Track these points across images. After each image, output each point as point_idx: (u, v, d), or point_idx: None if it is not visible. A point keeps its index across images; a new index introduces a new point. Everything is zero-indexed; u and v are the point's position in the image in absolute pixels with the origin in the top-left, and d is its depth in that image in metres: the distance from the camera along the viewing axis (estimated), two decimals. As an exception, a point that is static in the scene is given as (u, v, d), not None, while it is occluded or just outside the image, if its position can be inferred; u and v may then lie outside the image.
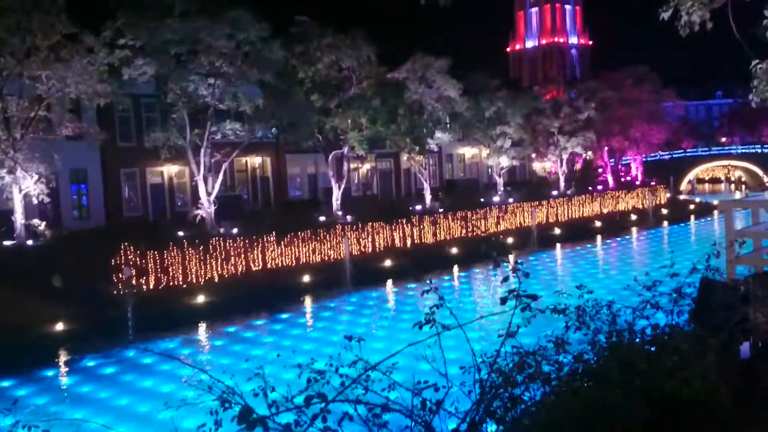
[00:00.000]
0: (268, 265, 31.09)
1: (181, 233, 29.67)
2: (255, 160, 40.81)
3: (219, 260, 29.30)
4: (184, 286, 27.90)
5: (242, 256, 30.18)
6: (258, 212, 37.74)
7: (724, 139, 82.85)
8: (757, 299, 7.64)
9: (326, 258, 33.19)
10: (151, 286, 27.07)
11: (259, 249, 30.87)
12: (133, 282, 26.08)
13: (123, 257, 26.52)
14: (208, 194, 31.72)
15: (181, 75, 29.07)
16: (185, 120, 30.51)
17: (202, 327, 25.55)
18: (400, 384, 4.29)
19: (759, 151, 74.14)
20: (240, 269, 30.01)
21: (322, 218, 35.73)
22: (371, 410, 3.93)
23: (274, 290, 28.74)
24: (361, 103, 36.02)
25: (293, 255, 32.13)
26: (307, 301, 29.29)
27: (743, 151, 75.13)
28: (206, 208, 31.53)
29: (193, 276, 28.41)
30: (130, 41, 27.34)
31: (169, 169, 35.94)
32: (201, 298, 27.03)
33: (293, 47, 34.25)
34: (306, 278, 30.71)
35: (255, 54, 30.50)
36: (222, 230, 30.98)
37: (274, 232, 31.45)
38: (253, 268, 30.49)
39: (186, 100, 29.88)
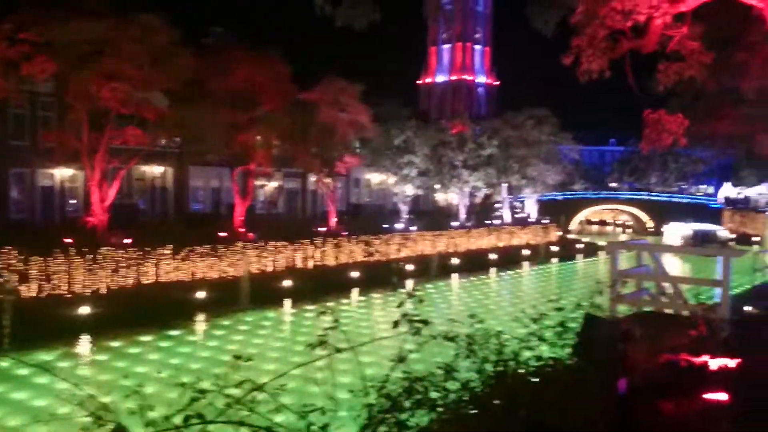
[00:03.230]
0: (161, 279, 30.01)
1: (69, 240, 28.22)
2: (155, 170, 39.57)
3: (108, 271, 28.02)
4: (69, 295, 26.48)
5: (133, 267, 29.00)
6: (154, 223, 36.52)
7: (613, 184, 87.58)
8: (635, 337, 8.07)
9: (224, 275, 32.42)
10: (33, 294, 25.51)
11: (153, 261, 29.77)
12: (13, 288, 24.48)
13: (3, 261, 24.88)
14: (102, 201, 30.40)
15: (84, 75, 27.90)
16: (83, 122, 29.25)
17: (85, 340, 24.27)
18: (286, 406, 4.21)
19: (645, 197, 78.87)
20: (130, 281, 28.80)
21: (223, 234, 34.96)
22: (255, 432, 3.84)
23: (165, 305, 27.74)
24: (271, 120, 35.74)
25: (189, 270, 31.18)
26: (200, 319, 28.43)
27: (630, 196, 79.69)
28: (99, 216, 30.19)
29: (79, 286, 27.02)
30: (32, 36, 26.04)
31: (63, 173, 34.30)
32: (86, 310, 25.69)
33: (205, 57, 33.66)
34: (201, 294, 29.84)
35: (164, 60, 29.72)
36: (114, 240, 29.70)
37: (170, 245, 30.45)
38: (145, 281, 29.35)
39: (86, 101, 28.66)
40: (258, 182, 43.55)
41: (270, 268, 34.76)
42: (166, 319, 26.64)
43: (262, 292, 31.34)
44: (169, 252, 30.40)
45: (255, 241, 34.51)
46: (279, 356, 22.72)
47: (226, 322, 28.11)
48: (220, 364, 20.22)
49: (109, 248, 28.43)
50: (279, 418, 4.17)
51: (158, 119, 31.06)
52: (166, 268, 30.32)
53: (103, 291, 27.66)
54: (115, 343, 24.10)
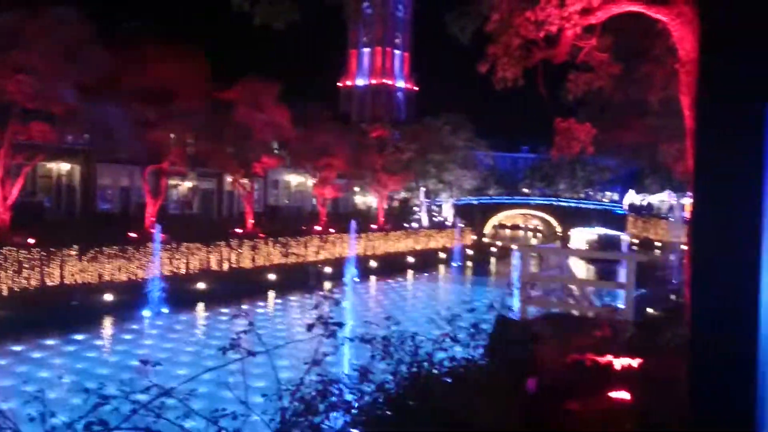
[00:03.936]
0: (67, 281, 28.71)
1: (-34, 239, 26.65)
2: (62, 167, 37.86)
3: (10, 272, 26.57)
4: (-35, 298, 25.00)
5: (37, 268, 27.61)
6: (61, 223, 34.93)
7: (526, 190, 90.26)
8: (544, 338, 8.32)
9: (134, 277, 31.34)
10: None
11: (58, 262, 28.44)
12: None
13: None
14: (5, 199, 28.85)
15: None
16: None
17: (-18, 345, 22.95)
18: (196, 412, 4.10)
19: (554, 203, 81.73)
20: (34, 283, 27.41)
21: (133, 234, 33.78)
22: (162, 439, 3.72)
23: (71, 308, 26.59)
24: (186, 118, 34.80)
25: (96, 272, 29.97)
26: (108, 322, 27.40)
27: (541, 202, 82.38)
28: (0, 214, 28.63)
29: (-23, 288, 25.53)
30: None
31: (-40, 168, 32.25)
32: (-17, 313, 24.32)
33: (119, 51, 32.40)
34: (109, 297, 28.75)
35: (75, 54, 28.44)
36: (17, 239, 28.19)
37: (76, 246, 29.18)
38: (49, 283, 28.00)
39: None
40: (171, 182, 42.38)
41: (183, 270, 33.88)
42: (72, 322, 25.54)
43: (175, 295, 30.50)
44: (75, 252, 29.14)
45: (167, 242, 33.55)
46: (190, 360, 22.17)
47: (135, 326, 27.21)
48: (127, 369, 19.55)
49: (12, 248, 26.96)
50: (189, 424, 4.06)
51: (67, 114, 29.72)
52: (72, 269, 29.03)
53: (5, 293, 26.22)
54: (16, 347, 22.92)
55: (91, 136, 34.14)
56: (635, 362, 8.90)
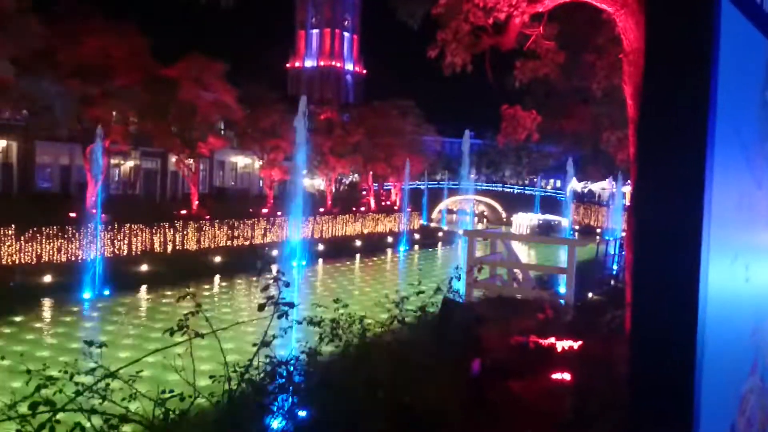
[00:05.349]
0: (3, 262, 27.79)
1: None
2: (-2, 143, 36.50)
3: (-60, 252, 25.58)
4: None
5: (-29, 249, 26.64)
6: (-4, 201, 33.71)
7: (472, 176, 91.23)
8: (488, 321, 8.50)
9: (74, 258, 30.52)
10: None
11: (-7, 243, 27.49)
12: None
13: None
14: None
15: None
16: None
17: None
18: (142, 393, 4.06)
19: (500, 189, 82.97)
20: (-34, 264, 26.46)
21: (73, 215, 32.85)
22: (107, 421, 3.67)
23: (8, 290, 25.75)
24: (128, 96, 33.86)
25: (34, 252, 29.09)
26: (47, 304, 26.63)
27: (487, 187, 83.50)
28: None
29: None
30: None
31: None
32: None
33: (57, 25, 31.26)
34: (48, 278, 27.94)
35: (11, 26, 27.30)
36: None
37: (12, 225, 28.22)
38: (-16, 264, 27.07)
39: None
40: (113, 161, 41.33)
41: (125, 252, 33.16)
42: (9, 304, 24.73)
43: (117, 277, 29.83)
44: (12, 233, 28.18)
45: (109, 222, 32.75)
46: (135, 343, 21.78)
47: (75, 308, 26.53)
48: (69, 352, 19.10)
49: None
50: (134, 406, 4.01)
51: (2, 89, 28.57)
52: (9, 249, 28.10)
53: (-67, 274, 25.25)
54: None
55: (29, 112, 32.94)
56: (576, 344, 9.18)
